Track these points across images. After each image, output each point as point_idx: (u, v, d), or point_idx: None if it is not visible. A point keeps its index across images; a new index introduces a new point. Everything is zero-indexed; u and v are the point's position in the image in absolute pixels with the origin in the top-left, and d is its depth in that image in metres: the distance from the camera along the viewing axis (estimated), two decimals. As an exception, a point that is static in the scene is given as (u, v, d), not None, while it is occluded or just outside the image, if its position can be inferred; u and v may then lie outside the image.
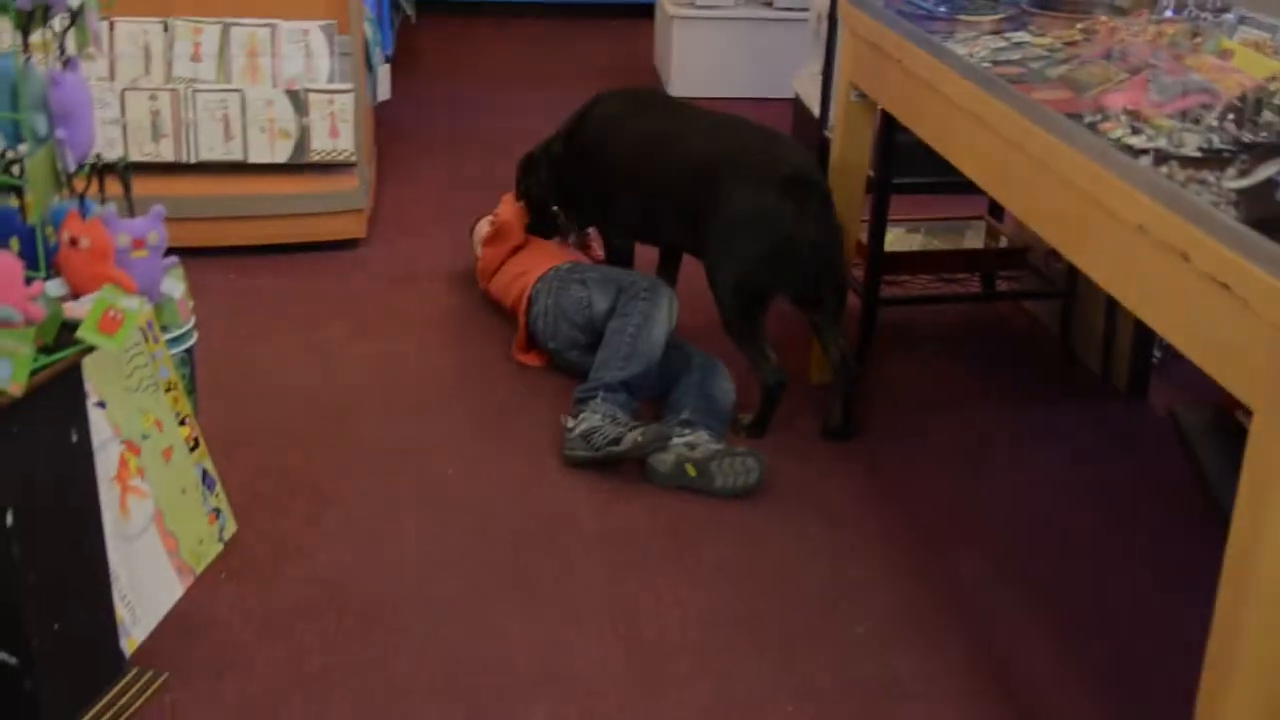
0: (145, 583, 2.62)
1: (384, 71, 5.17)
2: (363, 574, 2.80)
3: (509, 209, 3.96)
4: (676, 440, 3.14)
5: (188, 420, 2.83)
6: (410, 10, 6.60)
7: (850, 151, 3.33)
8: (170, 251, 3.02)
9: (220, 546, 2.86)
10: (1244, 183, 1.86)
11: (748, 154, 3.30)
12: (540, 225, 3.95)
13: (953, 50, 2.67)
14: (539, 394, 3.53)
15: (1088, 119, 2.20)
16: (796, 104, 5.30)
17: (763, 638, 2.65)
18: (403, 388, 3.56)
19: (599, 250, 3.96)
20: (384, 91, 5.17)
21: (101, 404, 2.58)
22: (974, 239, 4.07)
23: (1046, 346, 3.94)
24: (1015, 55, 2.74)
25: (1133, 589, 2.88)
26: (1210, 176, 1.95)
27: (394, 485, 3.12)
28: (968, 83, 2.54)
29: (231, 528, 2.90)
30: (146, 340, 2.73)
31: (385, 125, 5.37)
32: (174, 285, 2.25)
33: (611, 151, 3.63)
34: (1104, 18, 2.90)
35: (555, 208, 3.89)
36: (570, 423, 3.23)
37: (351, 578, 2.79)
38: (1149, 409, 3.62)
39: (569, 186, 3.82)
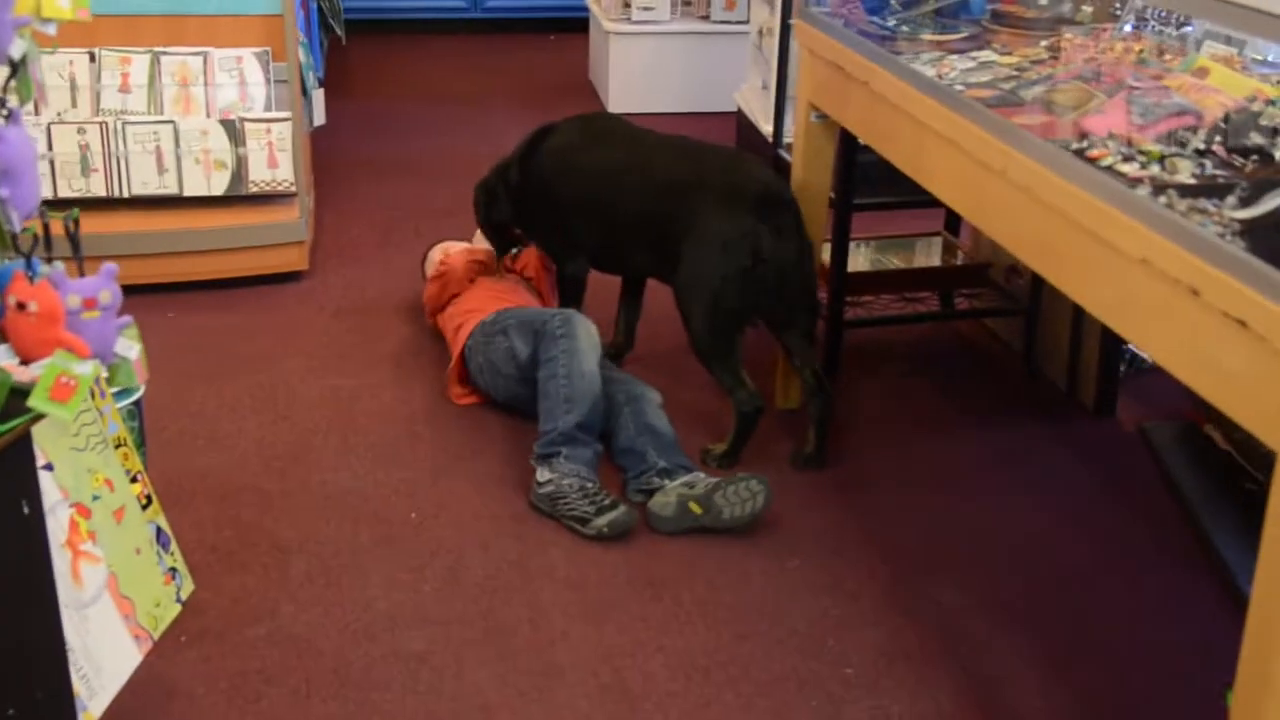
0: (101, 652, 2.48)
1: (318, 96, 5.02)
2: (330, 631, 2.68)
3: (457, 255, 3.86)
4: (673, 483, 3.06)
5: (139, 477, 2.69)
6: (340, 30, 6.45)
7: (812, 173, 3.26)
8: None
9: (178, 608, 2.72)
10: (1251, 212, 1.81)
11: (715, 173, 3.22)
12: (505, 247, 3.87)
13: (921, 72, 2.61)
14: (496, 430, 3.43)
15: (1074, 145, 2.15)
16: (740, 119, 5.24)
17: (750, 684, 2.57)
18: (358, 428, 3.44)
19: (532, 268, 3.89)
20: (319, 116, 5.02)
21: (49, 466, 2.43)
22: (928, 254, 4.03)
23: (1010, 363, 3.91)
24: (985, 76, 2.69)
25: (1116, 612, 2.84)
26: (1210, 205, 1.90)
27: (356, 533, 3.00)
28: (942, 107, 2.49)
29: (189, 587, 2.77)
30: (94, 397, 2.59)
31: (320, 150, 5.23)
32: (128, 346, 2.12)
33: (570, 183, 3.53)
34: (1068, 34, 2.86)
35: (518, 231, 3.80)
36: (537, 475, 3.12)
37: (319, 635, 2.67)
38: (1117, 425, 3.60)
39: (525, 216, 3.72)
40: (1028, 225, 2.23)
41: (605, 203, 3.43)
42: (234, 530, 3.00)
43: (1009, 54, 2.84)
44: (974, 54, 2.86)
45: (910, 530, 3.10)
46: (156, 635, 2.63)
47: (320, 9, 6.25)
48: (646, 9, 6.09)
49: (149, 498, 2.71)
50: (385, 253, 4.56)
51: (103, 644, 2.50)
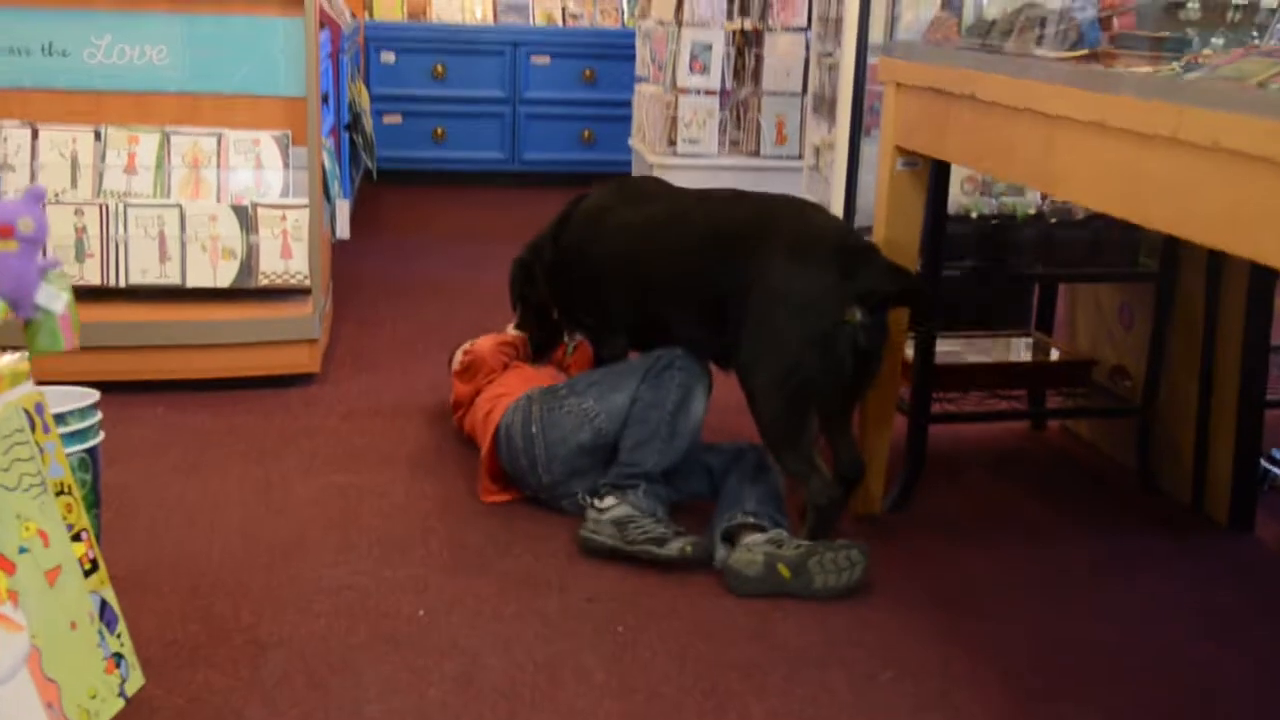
0: (11, 746, 1.94)
1: (343, 207, 4.67)
2: (309, 736, 2.12)
3: (485, 341, 3.42)
4: (759, 539, 2.55)
5: (84, 536, 2.19)
6: (372, 164, 6.19)
7: (898, 230, 2.83)
8: (88, 385, 2.48)
9: (121, 703, 2.18)
10: None
11: (783, 220, 2.78)
12: (544, 334, 3.43)
13: (1045, 56, 2.19)
14: (524, 527, 2.92)
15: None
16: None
17: (843, 809, 1.99)
18: (362, 525, 2.93)
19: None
20: (343, 229, 4.65)
21: (-38, 501, 1.95)
22: (1017, 354, 3.55)
23: (1117, 475, 3.38)
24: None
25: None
26: None
27: (351, 629, 2.46)
28: (1079, 90, 2.05)
29: (138, 680, 2.23)
30: (34, 429, 2.12)
31: (343, 273, 4.86)
32: (54, 296, 1.66)
33: (603, 245, 3.11)
34: (1207, 51, 2.45)
35: (556, 315, 3.36)
36: (597, 503, 2.64)
37: (294, 742, 2.11)
38: (1256, 541, 3.04)
39: (559, 292, 3.29)
40: (1207, 193, 1.76)
41: (644, 263, 2.99)
42: (202, 624, 2.46)
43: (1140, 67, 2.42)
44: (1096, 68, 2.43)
45: (1022, 644, 2.53)
46: (89, 734, 2.08)
47: (352, 141, 6.00)
48: (693, 141, 5.79)
49: (94, 563, 2.20)
50: (405, 362, 4.12)
51: (14, 734, 1.95)
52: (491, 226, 6.32)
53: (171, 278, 3.78)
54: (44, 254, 1.56)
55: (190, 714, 2.17)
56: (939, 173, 2.80)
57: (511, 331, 3.48)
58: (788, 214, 2.82)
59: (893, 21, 2.88)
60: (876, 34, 4.15)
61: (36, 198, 1.54)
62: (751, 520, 2.69)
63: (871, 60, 4.18)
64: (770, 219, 2.80)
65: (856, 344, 2.65)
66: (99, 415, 2.41)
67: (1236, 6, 2.50)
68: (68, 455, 2.22)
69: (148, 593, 2.52)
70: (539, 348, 3.44)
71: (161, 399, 3.61)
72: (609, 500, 2.77)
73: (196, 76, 3.86)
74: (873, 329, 2.67)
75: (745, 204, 2.91)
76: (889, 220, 2.85)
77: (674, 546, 2.67)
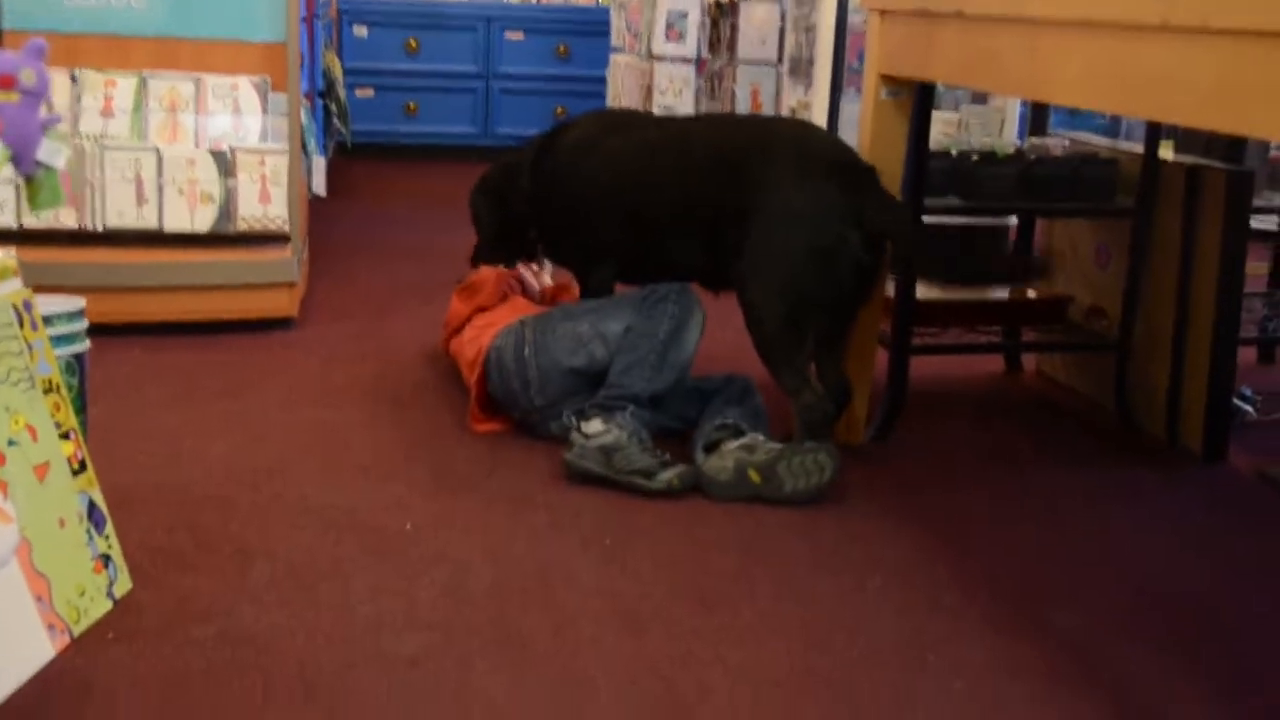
0: (1, 632, 1.92)
1: (319, 163, 4.67)
2: (298, 633, 2.12)
3: (490, 270, 3.40)
4: (731, 445, 2.56)
5: (73, 435, 2.17)
6: (346, 132, 6.18)
7: (882, 160, 2.84)
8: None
9: (109, 604, 2.15)
10: None
11: (787, 141, 2.80)
12: (511, 248, 3.40)
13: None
14: (507, 458, 2.91)
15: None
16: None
17: (835, 697, 2.01)
18: (344, 452, 2.92)
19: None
20: (319, 184, 4.65)
21: (-47, 386, 1.93)
22: (996, 294, 3.58)
23: (1093, 413, 3.42)
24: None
25: (1272, 637, 2.28)
26: None
27: (338, 542, 2.46)
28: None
29: (125, 584, 2.20)
30: (22, 326, 2.10)
31: (317, 234, 4.83)
32: (55, 151, 1.64)
33: (592, 176, 3.11)
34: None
35: (533, 235, 3.34)
36: (584, 425, 2.64)
37: (282, 637, 2.10)
38: (1232, 470, 3.08)
39: (544, 224, 3.28)
40: (1197, 76, 1.79)
41: (640, 189, 2.99)
42: (188, 534, 2.45)
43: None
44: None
45: (1010, 558, 2.56)
46: (76, 631, 2.06)
47: (326, 108, 5.98)
48: (668, 109, 5.80)
49: (83, 463, 2.18)
50: (382, 313, 4.11)
51: (3, 621, 1.94)
52: (463, 195, 6.29)
53: (149, 221, 3.76)
54: (46, 110, 1.55)
55: (179, 615, 2.16)
56: (923, 98, 2.82)
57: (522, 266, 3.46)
58: (792, 133, 2.84)
59: (876, -49, 2.89)
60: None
61: (38, 51, 1.53)
62: (730, 422, 2.72)
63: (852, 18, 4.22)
64: (774, 138, 2.82)
65: (858, 261, 2.67)
66: (85, 322, 2.39)
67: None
68: (56, 357, 2.21)
69: (133, 508, 2.50)
70: (511, 259, 3.42)
71: (139, 341, 3.58)
72: (595, 424, 2.76)
73: (174, 21, 3.84)
74: (870, 250, 2.69)
75: (747, 125, 2.94)
76: (872, 151, 2.87)
77: (662, 479, 2.67)
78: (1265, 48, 1.66)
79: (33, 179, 1.62)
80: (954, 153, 3.17)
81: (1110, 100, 2.05)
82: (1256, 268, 3.53)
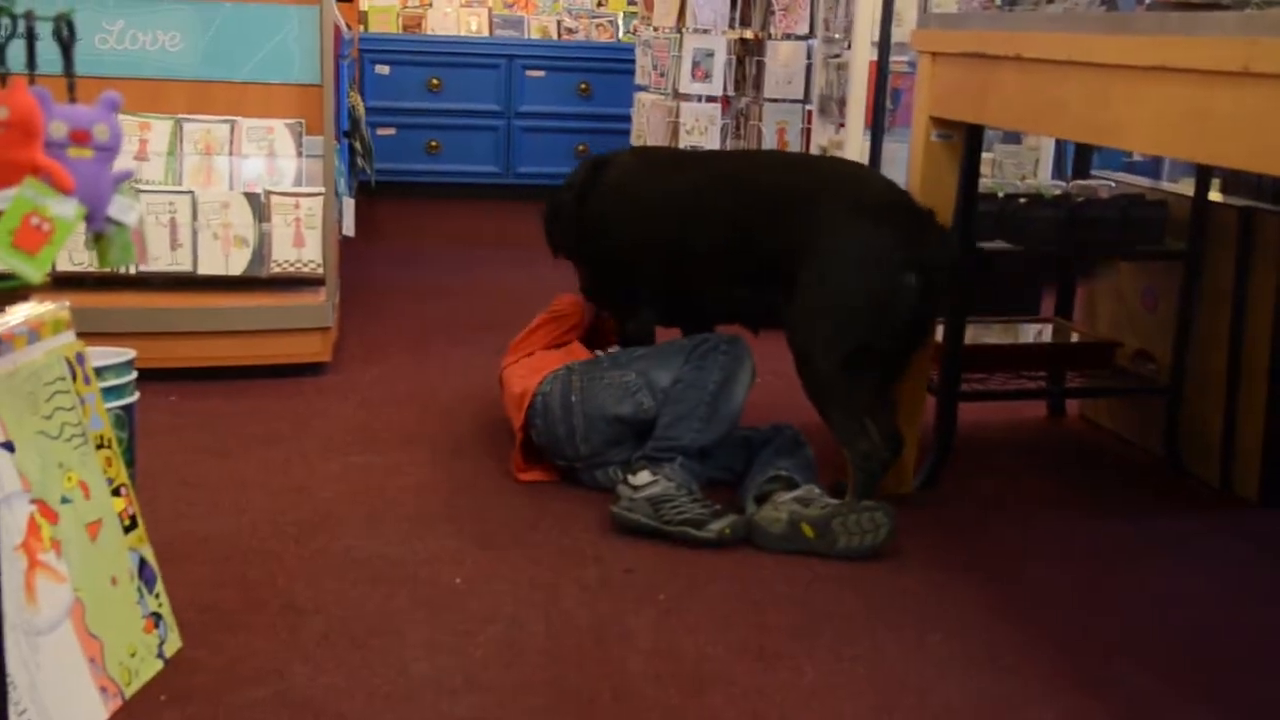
0: (53, 695, 1.88)
1: (349, 204, 4.64)
2: (355, 694, 2.07)
3: (572, 299, 3.30)
4: (785, 496, 2.51)
5: (124, 490, 2.14)
6: (370, 171, 6.16)
7: (933, 203, 2.80)
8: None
9: (160, 664, 2.12)
10: None
11: (842, 182, 2.77)
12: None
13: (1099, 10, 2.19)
14: (552, 510, 2.86)
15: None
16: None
17: (908, 760, 1.96)
18: (387, 502, 2.88)
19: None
20: (348, 225, 4.61)
21: (8, 445, 1.89)
22: (1039, 339, 3.55)
23: (1143, 459, 3.37)
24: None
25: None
26: None
27: (389, 596, 2.41)
28: (1138, 36, 2.04)
29: (175, 643, 2.17)
30: (75, 380, 2.07)
31: (345, 274, 4.81)
32: (127, 208, 1.60)
33: (639, 216, 3.06)
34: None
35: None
36: (631, 478, 2.60)
37: (339, 699, 2.05)
38: (1289, 516, 3.03)
39: (585, 267, 3.24)
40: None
41: (687, 230, 2.95)
42: (237, 590, 2.41)
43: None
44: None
45: (1068, 610, 2.51)
46: (128, 693, 2.03)
47: (351, 148, 5.97)
48: (695, 147, 5.78)
49: (134, 519, 2.15)
50: (415, 355, 4.08)
51: (57, 684, 1.89)
52: (487, 234, 6.30)
53: (183, 265, 3.73)
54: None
55: (232, 675, 2.12)
56: (973, 141, 2.79)
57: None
58: (845, 175, 2.81)
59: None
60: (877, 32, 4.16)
61: (112, 105, 1.50)
62: (783, 473, 2.68)
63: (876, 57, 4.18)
64: (829, 179, 2.79)
65: (914, 306, 2.64)
66: (134, 374, 2.36)
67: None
68: (107, 410, 2.17)
69: (179, 563, 2.46)
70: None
71: (173, 388, 3.55)
72: (643, 475, 2.72)
73: (210, 64, 3.82)
74: (928, 294, 2.66)
75: (799, 165, 2.90)
76: (923, 194, 2.83)
77: (713, 529, 2.63)
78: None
79: (103, 235, 1.59)
80: (1001, 194, 3.14)
81: (1187, 147, 2.02)
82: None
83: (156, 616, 2.15)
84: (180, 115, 3.81)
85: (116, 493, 2.11)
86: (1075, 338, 3.48)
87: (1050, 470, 3.29)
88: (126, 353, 2.35)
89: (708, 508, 2.66)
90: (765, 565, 2.60)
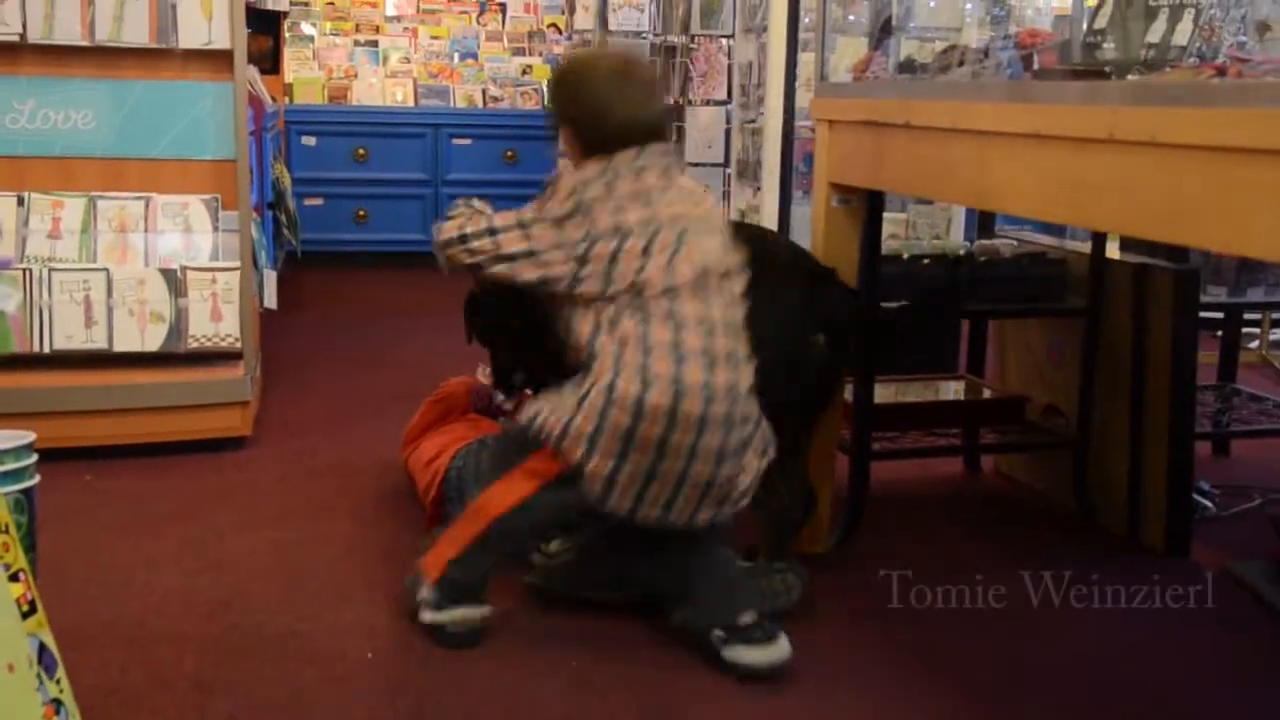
0: (-52, 789, 1.85)
1: (270, 277, 4.63)
2: (260, 775, 2.05)
3: (460, 383, 3.38)
4: None
5: (22, 576, 2.11)
6: (296, 242, 6.16)
7: (837, 265, 2.86)
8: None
9: (61, 751, 2.09)
10: None
11: (744, 244, 2.81)
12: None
13: (977, 80, 2.26)
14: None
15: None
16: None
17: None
18: (303, 575, 2.86)
19: None
20: (269, 298, 4.60)
21: (-104, 530, 1.88)
22: (952, 396, 3.61)
23: (1052, 512, 3.42)
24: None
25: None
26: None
27: (297, 672, 2.40)
28: (1013, 105, 2.12)
29: (77, 729, 2.14)
30: (-31, 464, 2.05)
31: (268, 347, 4.79)
32: (6, 297, 1.60)
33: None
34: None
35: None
36: (544, 546, 2.62)
37: (245, 780, 2.04)
38: (1194, 566, 3.08)
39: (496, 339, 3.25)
40: (1147, 188, 1.82)
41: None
42: (144, 671, 2.38)
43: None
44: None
45: (982, 666, 2.54)
46: (28, 782, 1.99)
47: (276, 219, 5.97)
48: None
49: (32, 604, 2.12)
50: (336, 428, 4.07)
51: (-49, 777, 1.86)
52: (414, 303, 6.30)
53: (98, 342, 3.71)
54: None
55: (135, 759, 2.09)
56: (874, 205, 2.85)
57: (483, 378, 3.41)
58: (747, 238, 2.85)
59: (823, 64, 2.95)
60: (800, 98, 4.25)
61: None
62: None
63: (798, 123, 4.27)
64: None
65: (823, 363, 2.67)
66: (35, 457, 2.34)
67: (1149, 45, 2.60)
68: (4, 493, 2.16)
69: (85, 647, 2.43)
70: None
71: (90, 466, 3.52)
72: (555, 544, 2.74)
73: (124, 141, 3.82)
74: (835, 352, 2.70)
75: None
76: (826, 257, 2.89)
77: (631, 591, 2.63)
78: (1212, 162, 1.70)
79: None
80: (905, 255, 3.21)
81: (1061, 211, 2.08)
82: (1207, 356, 3.57)
83: (58, 703, 2.12)
84: (94, 193, 3.80)
85: (14, 578, 2.09)
86: (987, 394, 3.54)
87: (964, 525, 3.34)
88: (26, 435, 2.33)
89: (619, 572, 2.67)
90: (680, 634, 2.60)
